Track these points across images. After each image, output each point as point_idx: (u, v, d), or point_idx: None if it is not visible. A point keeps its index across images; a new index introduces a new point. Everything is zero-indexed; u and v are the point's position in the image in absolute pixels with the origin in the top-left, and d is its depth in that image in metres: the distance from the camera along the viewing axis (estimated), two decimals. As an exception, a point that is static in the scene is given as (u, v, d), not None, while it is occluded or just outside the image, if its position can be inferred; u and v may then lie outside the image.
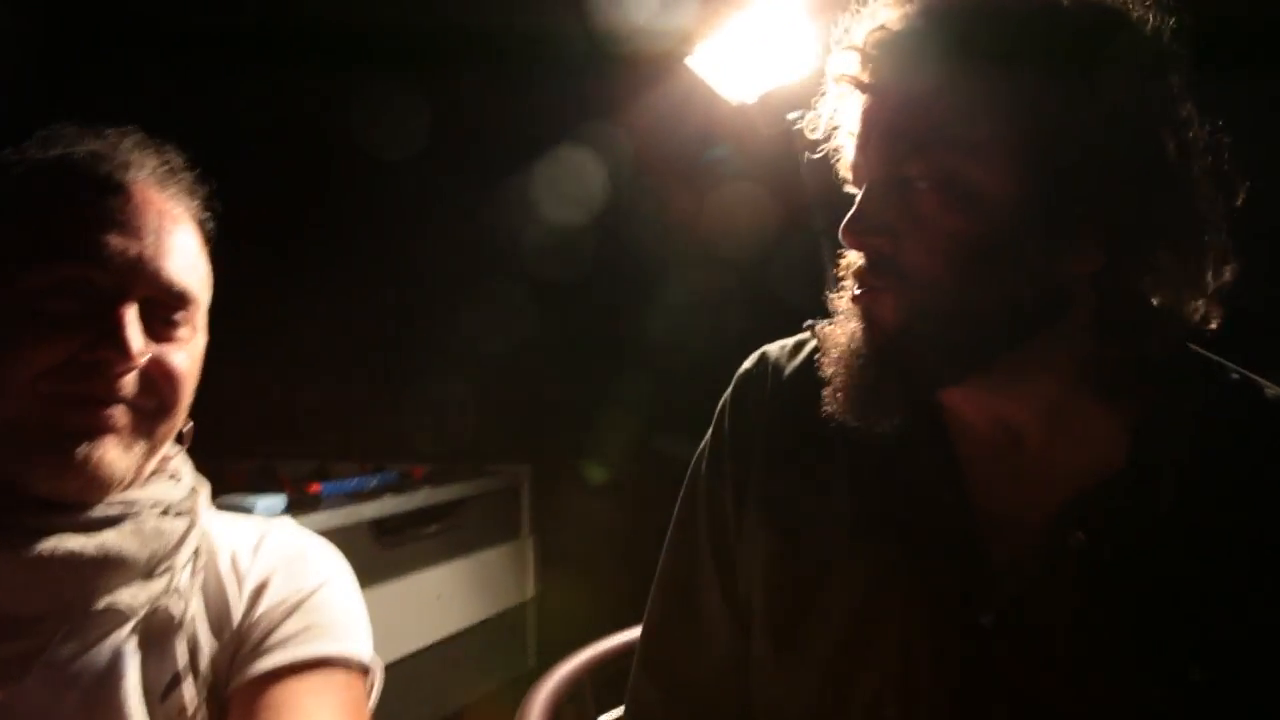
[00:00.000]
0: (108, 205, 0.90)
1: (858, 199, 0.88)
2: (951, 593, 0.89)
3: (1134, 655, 0.84)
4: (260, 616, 0.97)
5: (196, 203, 0.99)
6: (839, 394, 0.90)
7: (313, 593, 1.00)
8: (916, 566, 0.91)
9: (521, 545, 2.80)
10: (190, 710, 0.90)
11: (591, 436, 2.71)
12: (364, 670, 0.99)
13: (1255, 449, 0.87)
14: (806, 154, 1.61)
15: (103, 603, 0.89)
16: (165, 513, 0.94)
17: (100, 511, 0.89)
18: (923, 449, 0.94)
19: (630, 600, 2.82)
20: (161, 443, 0.94)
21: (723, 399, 1.09)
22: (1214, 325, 0.88)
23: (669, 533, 1.10)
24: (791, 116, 1.87)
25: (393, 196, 2.89)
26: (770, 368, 1.06)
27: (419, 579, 2.31)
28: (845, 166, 0.97)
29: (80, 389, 0.87)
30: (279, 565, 1.01)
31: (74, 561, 0.87)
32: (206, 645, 0.94)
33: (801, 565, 0.97)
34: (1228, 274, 0.86)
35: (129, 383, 0.89)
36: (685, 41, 1.81)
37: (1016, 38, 0.82)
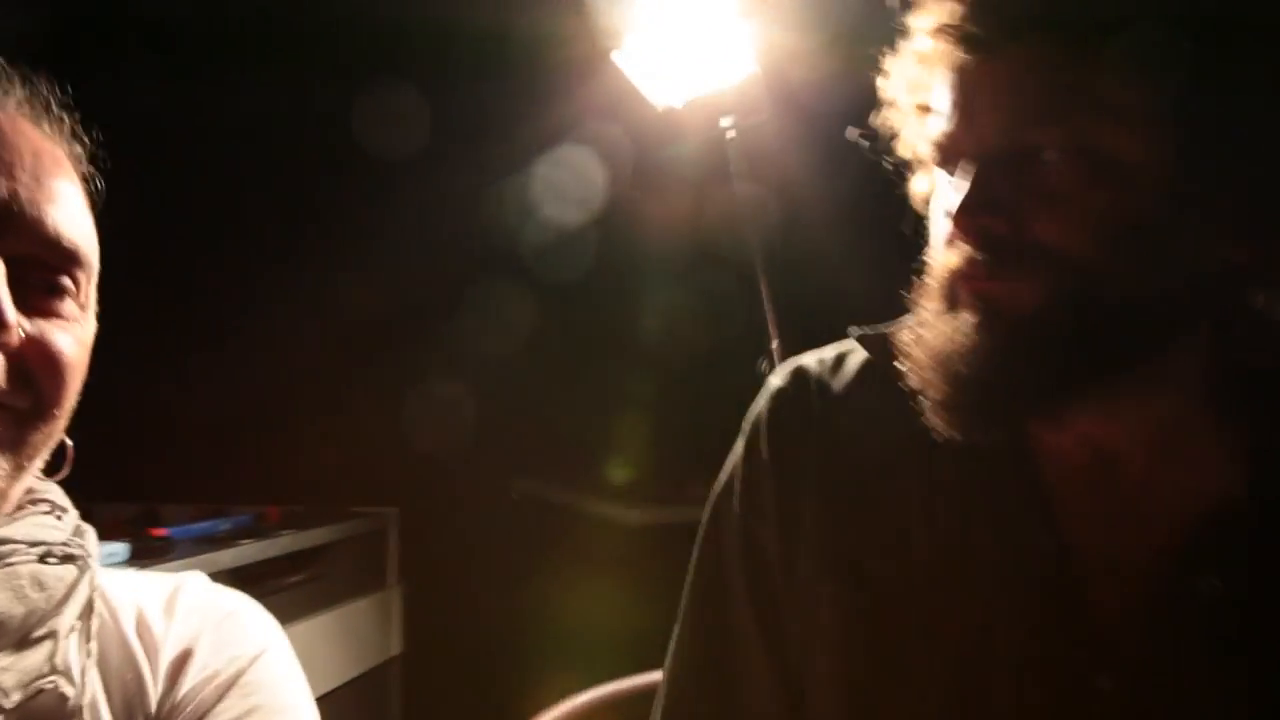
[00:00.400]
0: None
1: (969, 176, 0.74)
2: (1059, 653, 0.76)
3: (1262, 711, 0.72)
4: (186, 697, 0.75)
5: (80, 153, 0.76)
6: (941, 405, 0.76)
7: (250, 664, 0.78)
8: (1016, 622, 0.78)
9: (388, 596, 2.54)
10: None
11: (467, 478, 2.51)
12: None
13: None
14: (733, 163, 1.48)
15: None
16: (45, 557, 0.70)
17: None
18: (1007, 478, 0.80)
19: (508, 653, 2.63)
20: (34, 458, 0.70)
21: (753, 422, 0.93)
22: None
23: (689, 585, 0.93)
24: (724, 124, 1.76)
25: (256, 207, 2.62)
26: (814, 385, 0.91)
27: (281, 636, 2.02)
28: (912, 143, 0.84)
29: None
30: (203, 629, 0.78)
31: None
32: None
33: (883, 624, 0.82)
34: None
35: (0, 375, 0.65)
36: (612, 38, 1.67)
37: None
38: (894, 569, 0.82)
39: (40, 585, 0.69)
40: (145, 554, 1.74)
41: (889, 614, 0.81)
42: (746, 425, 0.94)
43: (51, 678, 0.69)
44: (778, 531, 0.87)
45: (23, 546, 0.69)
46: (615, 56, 1.67)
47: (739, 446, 0.93)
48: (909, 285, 0.82)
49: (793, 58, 1.63)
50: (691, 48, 1.68)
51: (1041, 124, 0.71)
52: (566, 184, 2.25)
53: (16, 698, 0.66)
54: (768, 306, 1.72)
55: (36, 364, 0.67)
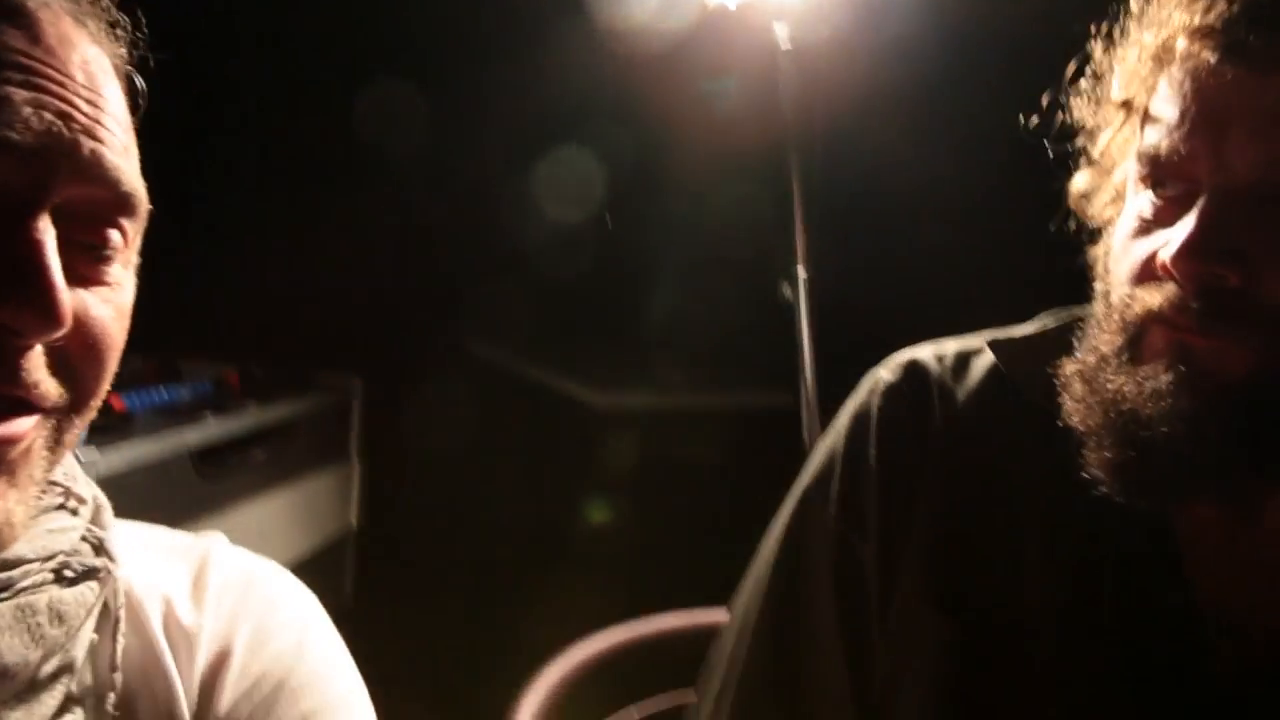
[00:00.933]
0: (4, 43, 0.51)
1: (1203, 208, 0.64)
2: (1176, 713, 0.72)
3: None
4: (232, 709, 0.64)
5: (122, 50, 0.61)
6: (1113, 465, 0.68)
7: (295, 660, 0.68)
8: (1133, 677, 0.73)
9: (348, 469, 2.45)
10: None
11: (438, 349, 2.40)
12: None
13: None
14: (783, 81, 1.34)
15: None
16: (60, 574, 0.58)
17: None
18: (1137, 528, 0.74)
19: (467, 531, 2.58)
20: (65, 457, 0.58)
21: (856, 417, 0.84)
22: None
23: (763, 586, 0.86)
24: (779, 33, 1.60)
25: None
26: (934, 388, 0.83)
27: (241, 514, 1.92)
28: (1121, 142, 0.75)
29: None
30: (237, 619, 0.67)
31: None
32: None
33: (986, 664, 0.76)
34: None
35: (39, 368, 0.52)
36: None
37: None
38: (1006, 608, 0.76)
39: (60, 618, 0.57)
40: (105, 433, 1.61)
41: (994, 654, 0.76)
42: (846, 418, 0.85)
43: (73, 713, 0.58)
44: (878, 549, 0.80)
45: (35, 565, 0.57)
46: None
47: (838, 443, 0.85)
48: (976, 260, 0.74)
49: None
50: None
51: None
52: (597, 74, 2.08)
53: None
54: (798, 231, 1.61)
55: (78, 352, 0.54)
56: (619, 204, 2.59)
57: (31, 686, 0.56)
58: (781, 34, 1.55)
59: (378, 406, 2.48)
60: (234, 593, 0.69)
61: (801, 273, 1.63)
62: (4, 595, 0.54)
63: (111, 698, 0.60)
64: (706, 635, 1.24)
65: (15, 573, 0.55)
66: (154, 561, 0.69)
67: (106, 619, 0.62)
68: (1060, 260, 0.85)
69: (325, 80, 2.39)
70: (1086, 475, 0.71)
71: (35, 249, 0.50)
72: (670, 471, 2.85)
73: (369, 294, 2.47)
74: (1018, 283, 1.00)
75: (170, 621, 0.66)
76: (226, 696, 0.65)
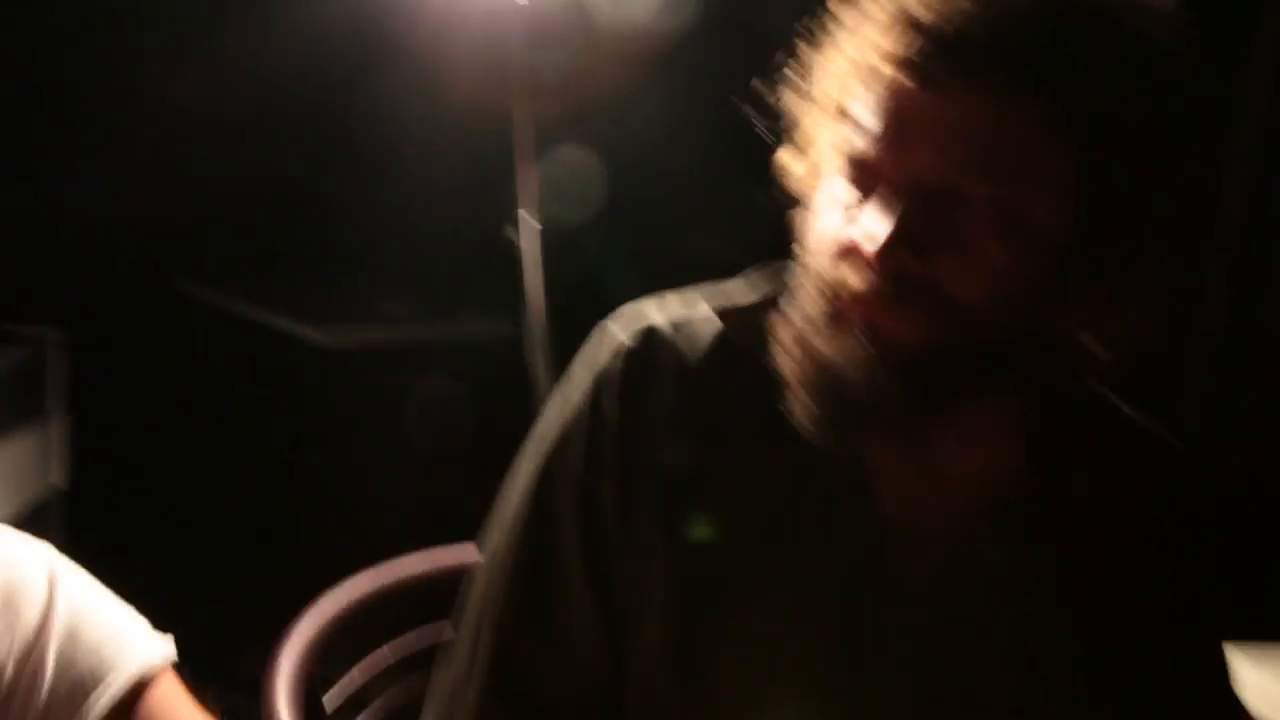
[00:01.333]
0: None
1: (900, 205, 0.76)
2: (871, 609, 0.86)
3: (1033, 659, 0.85)
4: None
5: None
6: (814, 414, 0.81)
7: (50, 605, 0.68)
8: (833, 582, 0.86)
9: (49, 429, 2.28)
10: None
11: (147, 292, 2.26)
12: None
13: (1131, 463, 0.92)
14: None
15: None
16: None
17: None
18: (834, 460, 0.87)
19: (191, 487, 2.48)
20: None
21: (596, 377, 0.93)
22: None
23: (511, 524, 0.93)
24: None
25: None
26: (667, 350, 0.92)
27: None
28: (826, 140, 0.84)
29: None
30: None
31: None
32: None
33: (711, 585, 0.87)
34: None
35: None
36: None
37: (1108, 62, 0.75)
38: (727, 534, 0.87)
39: None
40: None
41: (717, 573, 0.87)
42: (587, 376, 0.93)
43: None
44: (616, 493, 0.88)
45: None
46: None
47: (581, 399, 0.92)
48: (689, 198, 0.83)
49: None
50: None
51: (975, 174, 0.74)
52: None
53: None
54: (524, 182, 1.64)
55: None
56: (335, 133, 2.51)
57: None
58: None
59: (87, 357, 2.32)
60: None
61: (527, 216, 1.67)
62: None
63: None
64: (452, 576, 1.29)
65: None
66: None
67: None
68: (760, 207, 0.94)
69: None
70: (789, 414, 0.83)
71: None
72: (400, 406, 2.85)
73: (67, 236, 2.29)
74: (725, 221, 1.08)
75: None
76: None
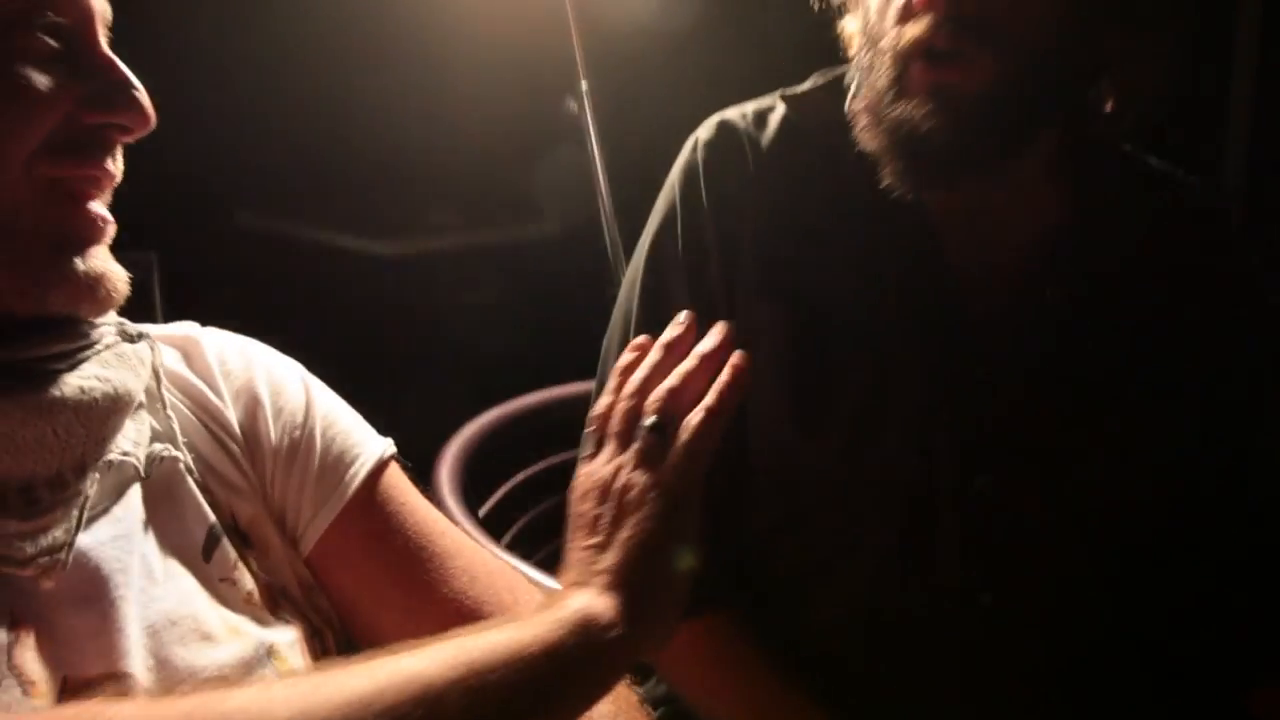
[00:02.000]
0: None
1: None
2: (946, 346, 0.99)
3: (1095, 391, 0.99)
4: (276, 441, 0.80)
5: None
6: (902, 168, 0.93)
7: (307, 391, 0.84)
8: (915, 329, 0.99)
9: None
10: (234, 561, 0.74)
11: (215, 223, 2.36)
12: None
13: (1165, 212, 1.04)
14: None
15: (113, 454, 0.69)
16: (123, 336, 0.73)
17: (82, 337, 0.68)
18: (907, 221, 0.99)
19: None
20: None
21: (683, 171, 1.05)
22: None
23: (629, 317, 1.05)
24: None
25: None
26: (744, 138, 1.04)
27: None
28: None
29: (92, 173, 0.66)
30: (252, 372, 0.82)
31: (81, 407, 0.66)
32: (229, 485, 0.77)
33: (815, 338, 1.00)
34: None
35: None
36: None
37: None
38: (821, 290, 1.01)
39: (141, 360, 0.72)
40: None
41: (818, 324, 1.00)
42: (678, 173, 1.06)
43: (164, 444, 0.73)
44: (719, 267, 1.02)
45: (108, 328, 0.71)
46: None
47: (674, 192, 1.05)
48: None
49: None
50: None
51: None
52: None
53: (143, 458, 0.71)
54: (576, 47, 1.77)
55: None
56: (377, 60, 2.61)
57: (135, 411, 0.71)
58: None
59: (177, 283, 2.46)
60: (235, 355, 0.82)
61: (585, 85, 1.80)
62: (99, 347, 0.68)
63: (177, 435, 0.75)
64: (562, 403, 1.45)
65: (101, 331, 0.70)
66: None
67: (157, 379, 0.76)
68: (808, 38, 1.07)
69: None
70: (862, 186, 0.95)
71: (108, 60, 0.66)
72: (469, 308, 3.02)
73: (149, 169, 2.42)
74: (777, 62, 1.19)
75: (200, 371, 0.80)
76: (269, 431, 0.80)
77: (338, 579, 0.81)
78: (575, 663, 0.63)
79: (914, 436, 0.98)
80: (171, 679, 0.66)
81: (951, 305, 0.99)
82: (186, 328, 0.84)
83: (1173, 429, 0.99)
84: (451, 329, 2.88)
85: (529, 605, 0.80)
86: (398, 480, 0.85)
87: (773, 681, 0.99)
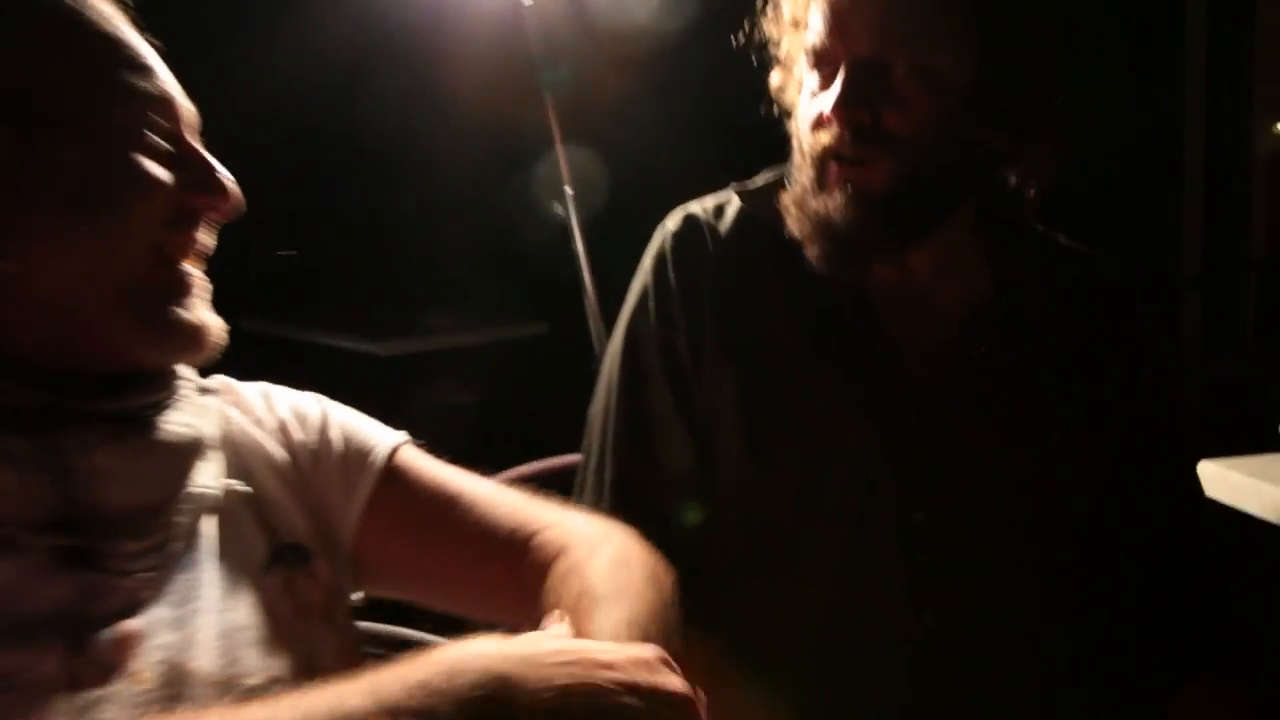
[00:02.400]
0: (125, 30, 0.81)
1: (842, 77, 1.05)
2: (885, 401, 1.14)
3: (1015, 431, 1.14)
4: (322, 455, 0.94)
5: None
6: (820, 254, 1.10)
7: (325, 413, 0.98)
8: (855, 382, 1.14)
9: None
10: (289, 578, 0.87)
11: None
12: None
13: (1069, 279, 1.21)
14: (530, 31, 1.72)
15: (195, 487, 0.83)
16: (196, 387, 0.88)
17: (170, 390, 0.83)
18: (845, 294, 1.16)
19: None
20: None
21: (655, 257, 1.22)
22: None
23: (614, 380, 1.21)
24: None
25: None
26: (704, 228, 1.21)
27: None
28: (793, 58, 1.15)
29: (190, 243, 0.81)
30: (282, 408, 0.96)
31: (176, 449, 0.81)
32: (281, 511, 0.91)
33: (768, 392, 1.15)
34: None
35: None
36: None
37: None
38: (771, 355, 1.16)
39: (212, 411, 0.88)
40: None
41: (770, 383, 1.15)
42: (649, 259, 1.22)
43: (230, 479, 0.87)
44: (685, 336, 1.17)
45: (185, 380, 0.86)
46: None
47: (647, 275, 1.22)
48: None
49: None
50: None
51: (896, 46, 1.04)
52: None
53: (217, 492, 0.85)
54: (561, 160, 1.96)
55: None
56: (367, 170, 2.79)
57: (204, 448, 0.85)
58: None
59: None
60: (262, 398, 0.96)
61: (569, 190, 1.99)
62: (180, 399, 0.84)
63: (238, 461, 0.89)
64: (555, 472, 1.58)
65: (180, 385, 0.85)
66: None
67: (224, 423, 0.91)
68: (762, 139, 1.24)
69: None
70: (806, 266, 1.11)
71: (203, 154, 0.82)
72: (453, 407, 3.18)
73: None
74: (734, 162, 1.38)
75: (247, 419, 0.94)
76: (301, 449, 0.94)
77: (385, 549, 0.94)
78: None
79: (856, 478, 1.12)
80: (237, 678, 0.78)
81: (887, 364, 1.15)
82: (224, 380, 0.97)
83: (1084, 464, 1.14)
84: (442, 422, 3.03)
85: (540, 526, 0.94)
86: (415, 455, 0.98)
87: (744, 698, 1.10)
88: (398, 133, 2.77)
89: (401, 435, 0.99)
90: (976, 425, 1.14)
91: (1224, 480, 1.61)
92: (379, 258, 3.38)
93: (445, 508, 0.95)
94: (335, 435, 0.96)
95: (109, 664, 0.73)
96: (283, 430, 0.94)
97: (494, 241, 3.10)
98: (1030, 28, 1.07)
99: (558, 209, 2.04)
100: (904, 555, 1.11)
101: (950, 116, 1.05)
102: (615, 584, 0.85)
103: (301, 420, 0.96)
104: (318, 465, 0.94)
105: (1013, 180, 1.15)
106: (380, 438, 0.97)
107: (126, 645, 0.74)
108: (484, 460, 1.07)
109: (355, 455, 0.95)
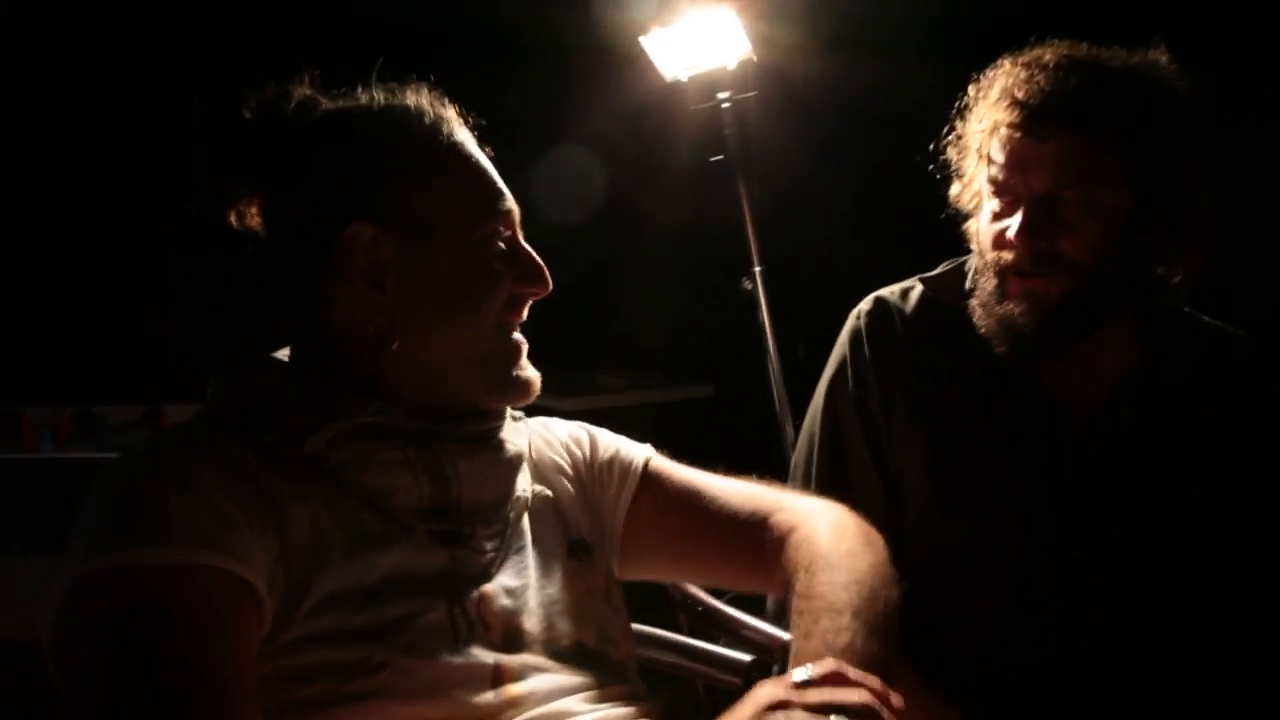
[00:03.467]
0: (482, 156, 1.06)
1: (1024, 210, 1.27)
2: (1044, 454, 1.35)
3: (1158, 484, 1.33)
4: (595, 467, 1.19)
5: None
6: (1007, 348, 1.32)
7: (595, 437, 1.23)
8: (1022, 440, 1.36)
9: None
10: (581, 564, 1.11)
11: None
12: None
13: (1212, 353, 1.40)
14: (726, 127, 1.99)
15: (519, 492, 1.08)
16: (511, 415, 1.12)
17: (499, 418, 1.08)
18: (1020, 371, 1.36)
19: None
20: None
21: (852, 333, 1.45)
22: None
23: (814, 434, 1.44)
24: (721, 96, 2.25)
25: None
26: (894, 310, 1.45)
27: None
28: (972, 178, 1.37)
29: (519, 319, 1.06)
30: (562, 432, 1.22)
31: (510, 461, 1.07)
32: (571, 512, 1.15)
33: (951, 447, 1.38)
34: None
35: None
36: (639, 28, 2.11)
37: (1129, 99, 1.25)
38: (953, 416, 1.38)
39: (524, 434, 1.13)
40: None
41: (952, 440, 1.37)
42: (846, 334, 1.46)
43: (539, 486, 1.12)
44: (879, 399, 1.40)
45: (506, 412, 1.10)
46: (642, 39, 2.11)
47: (844, 347, 1.45)
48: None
49: (782, 48, 2.13)
50: (698, 33, 2.15)
51: (1069, 186, 1.25)
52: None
53: (531, 501, 1.09)
54: (751, 237, 2.24)
55: None
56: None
57: (524, 461, 1.10)
58: (722, 95, 2.20)
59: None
60: (546, 428, 1.22)
61: (758, 269, 2.27)
62: (504, 424, 1.08)
63: (537, 470, 1.15)
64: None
65: (504, 413, 1.10)
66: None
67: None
68: (940, 233, 1.47)
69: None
70: (982, 344, 1.33)
71: (529, 252, 1.07)
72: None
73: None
74: (911, 258, 1.61)
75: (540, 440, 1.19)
76: (581, 465, 1.19)
77: (646, 536, 1.18)
78: None
79: (1023, 519, 1.33)
80: (553, 640, 1.02)
81: (1048, 426, 1.36)
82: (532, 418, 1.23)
83: (1220, 519, 1.32)
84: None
85: (773, 508, 1.16)
86: (664, 462, 1.22)
87: (934, 705, 1.30)
88: (614, 219, 3.06)
89: (650, 448, 1.23)
90: (1125, 479, 1.33)
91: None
92: (564, 323, 3.72)
93: (694, 499, 1.18)
94: (603, 452, 1.21)
95: (474, 617, 0.97)
96: (566, 449, 1.20)
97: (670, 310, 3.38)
98: (1180, 158, 1.26)
99: (746, 285, 2.31)
100: (1062, 586, 1.31)
101: (1115, 240, 1.25)
102: (838, 550, 1.07)
103: (577, 441, 1.21)
104: (593, 475, 1.18)
105: (1164, 271, 1.35)
106: (636, 450, 1.22)
107: (485, 603, 0.98)
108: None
109: (620, 465, 1.19)
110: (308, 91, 1.04)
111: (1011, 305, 1.29)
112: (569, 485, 1.17)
